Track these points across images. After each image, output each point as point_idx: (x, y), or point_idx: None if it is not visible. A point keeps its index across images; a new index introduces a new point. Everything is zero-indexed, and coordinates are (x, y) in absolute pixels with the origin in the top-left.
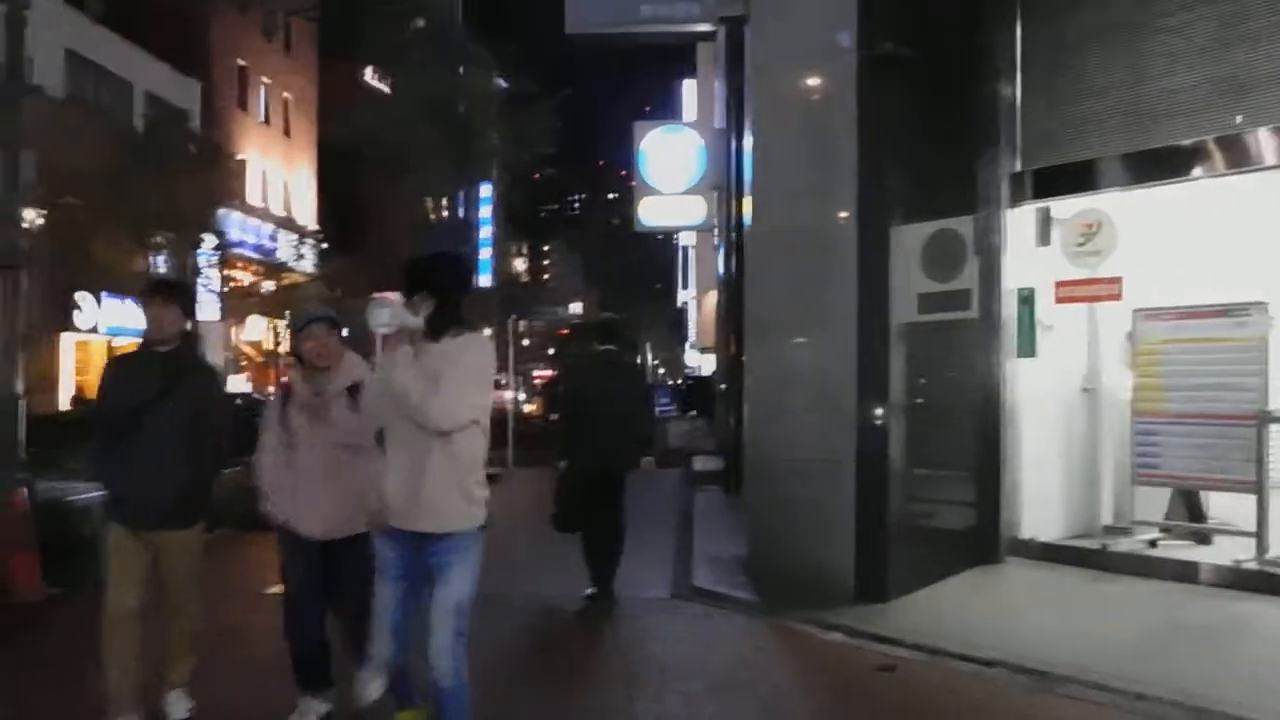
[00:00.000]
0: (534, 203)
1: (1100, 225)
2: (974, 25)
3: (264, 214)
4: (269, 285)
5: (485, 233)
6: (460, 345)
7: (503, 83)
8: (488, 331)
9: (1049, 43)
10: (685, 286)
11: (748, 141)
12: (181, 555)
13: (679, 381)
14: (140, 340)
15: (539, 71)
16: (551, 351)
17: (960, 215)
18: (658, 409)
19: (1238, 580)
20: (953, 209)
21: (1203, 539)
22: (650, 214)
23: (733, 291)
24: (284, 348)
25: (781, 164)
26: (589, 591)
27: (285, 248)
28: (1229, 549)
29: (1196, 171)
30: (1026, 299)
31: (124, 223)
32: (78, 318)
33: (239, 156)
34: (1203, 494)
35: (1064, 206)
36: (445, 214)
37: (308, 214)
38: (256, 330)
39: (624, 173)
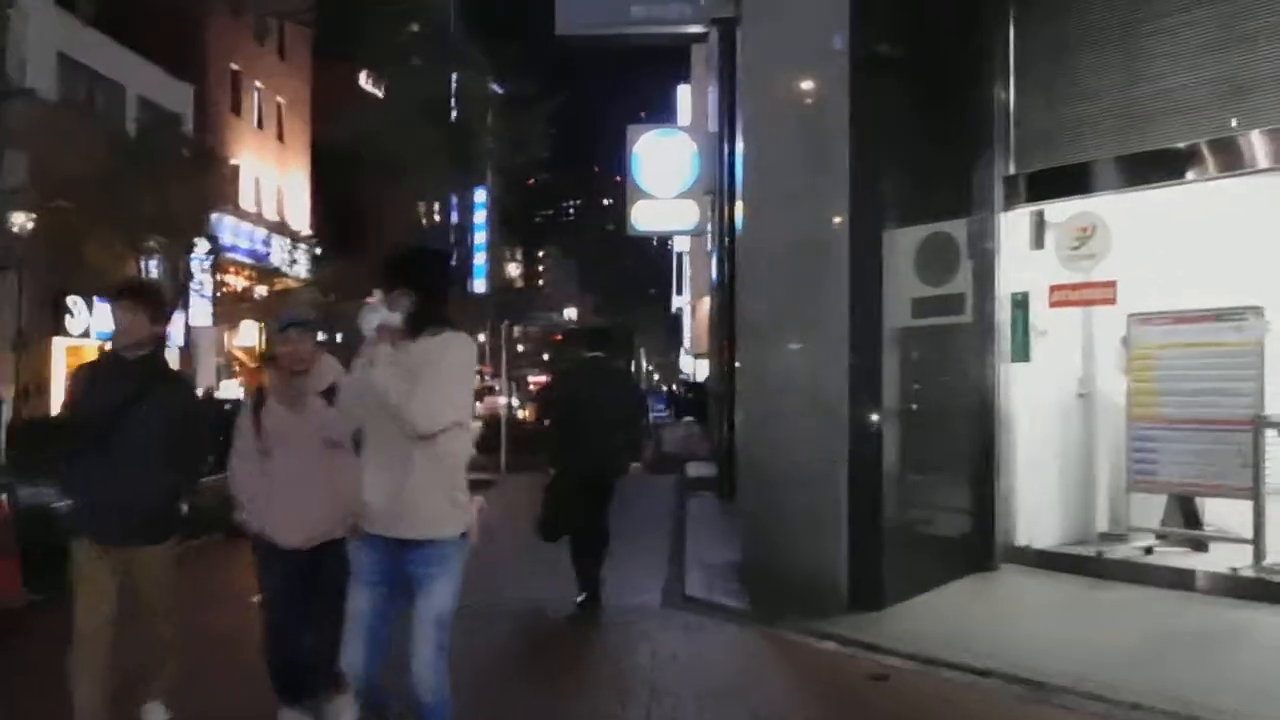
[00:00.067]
0: (529, 208)
1: (1095, 229)
2: (968, 26)
3: (257, 219)
4: (262, 290)
5: (480, 237)
6: (441, 344)
7: (498, 88)
8: (482, 337)
9: (1044, 44)
10: (680, 292)
11: (740, 144)
12: (153, 572)
13: (674, 388)
14: (108, 346)
15: (535, 76)
16: (546, 357)
17: (954, 218)
18: (652, 415)
19: (1234, 587)
20: (947, 212)
21: (1199, 546)
22: (643, 218)
23: (726, 296)
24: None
25: (774, 167)
26: (580, 599)
27: (279, 252)
28: (1225, 556)
29: (1192, 174)
30: (1021, 303)
31: (116, 227)
32: (69, 322)
33: (232, 161)
34: (1199, 500)
35: (1058, 210)
36: (440, 218)
37: (302, 219)
38: (250, 335)
39: (619, 178)
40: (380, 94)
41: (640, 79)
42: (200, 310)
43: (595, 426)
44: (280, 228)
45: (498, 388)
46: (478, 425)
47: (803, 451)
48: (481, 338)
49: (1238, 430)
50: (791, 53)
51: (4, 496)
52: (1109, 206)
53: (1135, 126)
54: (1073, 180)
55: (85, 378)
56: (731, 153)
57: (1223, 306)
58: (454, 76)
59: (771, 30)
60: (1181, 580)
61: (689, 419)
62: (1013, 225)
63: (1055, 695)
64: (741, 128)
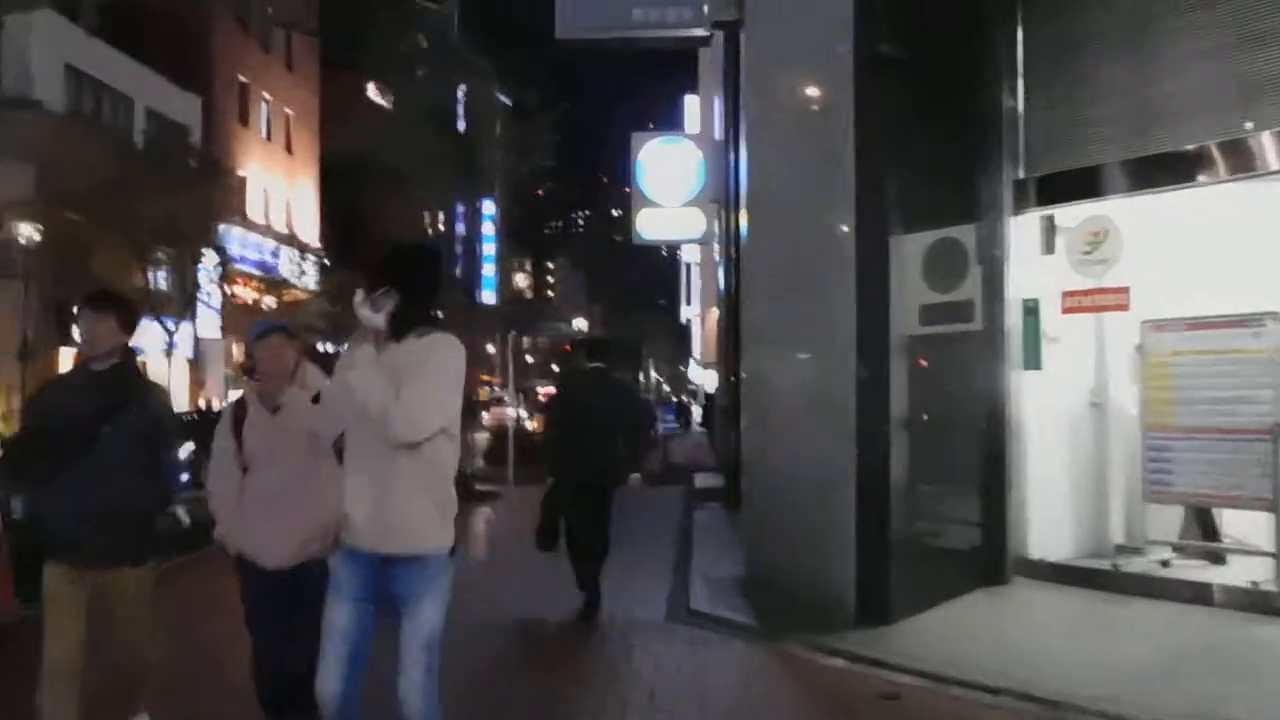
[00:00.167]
0: (538, 218)
1: (1106, 233)
2: (974, 28)
3: (265, 230)
4: (270, 301)
5: (489, 248)
6: (426, 346)
7: (506, 99)
8: (491, 348)
9: (1052, 45)
10: (689, 302)
11: (743, 150)
12: (128, 596)
13: (683, 398)
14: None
15: (544, 87)
16: (555, 367)
17: (962, 224)
18: (661, 425)
19: (1254, 602)
20: (954, 217)
21: (1217, 559)
22: (648, 227)
23: (732, 306)
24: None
25: (778, 173)
26: (583, 604)
27: (287, 263)
28: (1245, 569)
29: (1204, 177)
30: (1031, 310)
31: (124, 237)
32: (77, 332)
33: (240, 172)
34: (1217, 512)
35: (1069, 214)
36: (448, 229)
37: (310, 230)
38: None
39: (627, 189)
40: (388, 105)
41: (650, 90)
42: (208, 321)
43: (593, 436)
44: (289, 238)
45: (506, 398)
46: (485, 436)
47: (809, 462)
48: (490, 348)
49: (1257, 439)
50: (795, 56)
51: None
52: (1120, 210)
53: (1146, 128)
54: (1083, 184)
55: (50, 391)
56: (737, 160)
57: (1241, 312)
58: (461, 87)
59: (774, 34)
60: (1199, 594)
61: (702, 428)
62: (1022, 230)
63: (1069, 715)
64: (744, 133)
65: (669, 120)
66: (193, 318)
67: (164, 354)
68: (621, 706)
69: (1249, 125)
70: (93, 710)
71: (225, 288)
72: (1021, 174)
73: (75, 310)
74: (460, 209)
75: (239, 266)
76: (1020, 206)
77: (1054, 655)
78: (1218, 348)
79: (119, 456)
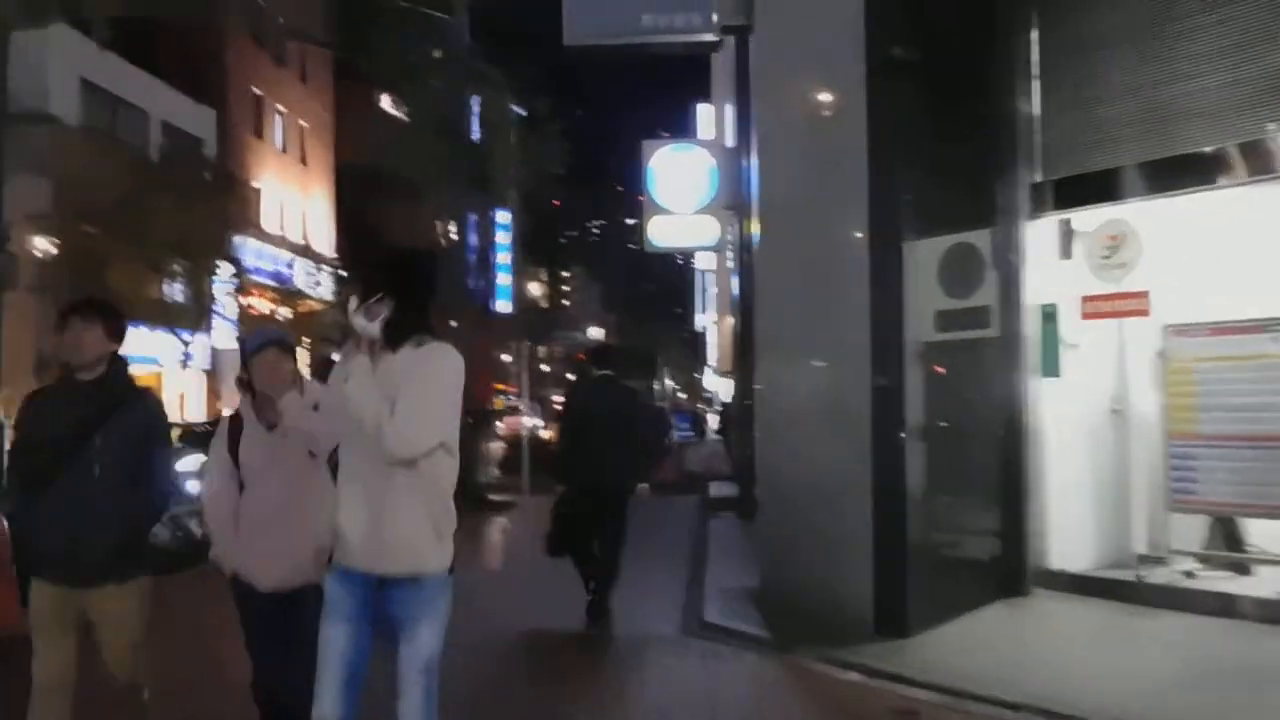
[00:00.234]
0: (554, 228)
1: (1125, 237)
2: (988, 29)
3: (281, 241)
4: (286, 312)
5: (504, 258)
6: (423, 357)
7: (520, 109)
8: (506, 357)
9: (1067, 45)
10: (704, 309)
11: (754, 156)
12: (119, 615)
13: (699, 406)
14: (63, 368)
15: (559, 97)
16: (571, 376)
17: (977, 228)
18: (676, 433)
19: None
20: (969, 222)
21: (1243, 569)
22: (660, 234)
23: (746, 313)
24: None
25: (789, 179)
26: (589, 600)
27: (302, 274)
28: (1272, 579)
29: (1225, 179)
30: (1049, 316)
31: (139, 250)
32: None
33: (255, 184)
34: (1241, 521)
35: (1087, 218)
36: (462, 238)
37: (325, 240)
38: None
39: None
40: (402, 115)
41: (665, 99)
42: (224, 333)
43: (600, 444)
44: (303, 249)
45: (522, 407)
46: (499, 445)
47: (824, 472)
48: (506, 357)
49: None
50: (804, 61)
51: (3, 521)
52: (1139, 213)
53: (1165, 130)
54: (1101, 187)
55: (35, 404)
56: (749, 166)
57: (1266, 317)
58: (475, 98)
59: (782, 38)
60: (1225, 606)
61: (717, 437)
62: (1039, 234)
63: None
64: (754, 138)
65: (683, 128)
66: (208, 329)
67: (180, 365)
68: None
69: (1270, 126)
70: None
71: (240, 299)
72: (1038, 177)
73: (59, 318)
74: (475, 218)
75: (254, 278)
76: (1037, 210)
77: (1076, 669)
78: (1241, 353)
79: (108, 468)
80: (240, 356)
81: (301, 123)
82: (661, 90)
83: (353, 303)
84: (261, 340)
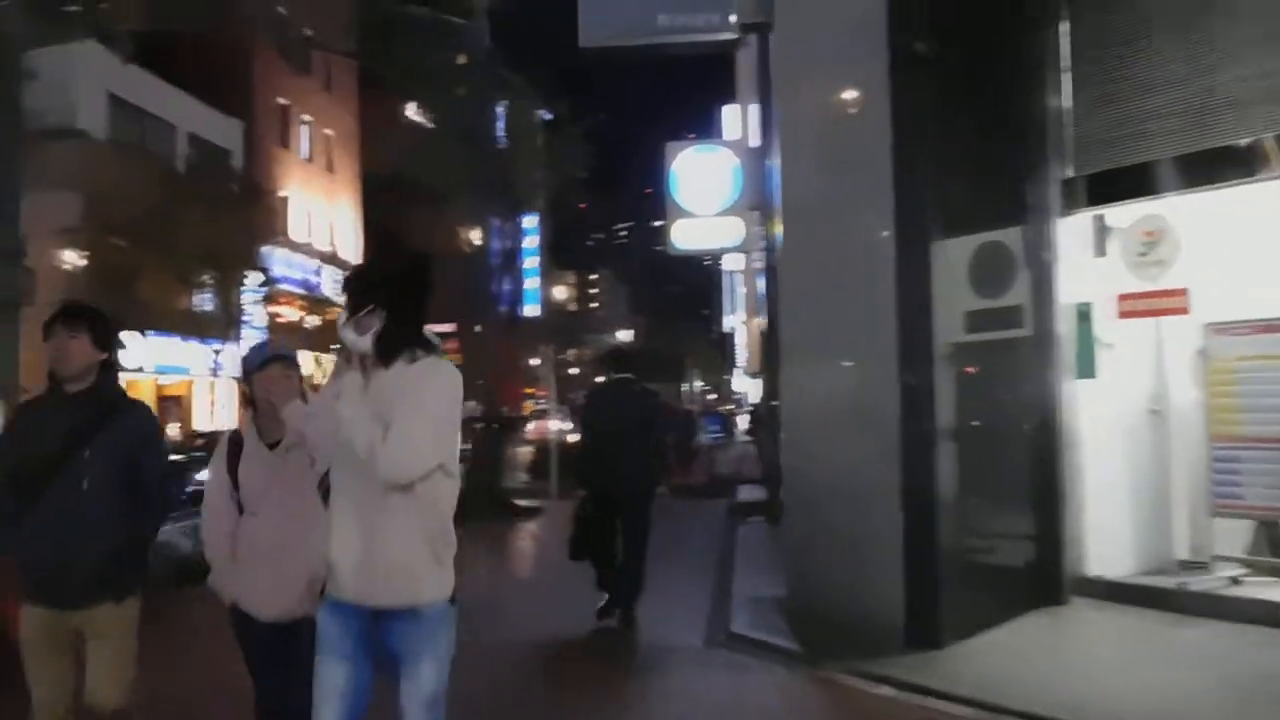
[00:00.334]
0: (581, 232)
1: (1162, 233)
2: (1016, 20)
3: (308, 250)
4: (315, 320)
5: (531, 263)
6: (418, 374)
7: (546, 114)
8: (535, 361)
9: (1099, 36)
10: (731, 311)
11: (776, 155)
12: (109, 635)
13: (729, 408)
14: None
15: (584, 101)
16: (600, 379)
17: (1008, 226)
18: (705, 436)
19: None
20: (1000, 220)
21: None
22: (684, 237)
23: (771, 315)
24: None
25: (813, 178)
26: (600, 604)
27: (330, 282)
28: None
29: (1266, 171)
30: (1084, 315)
31: (168, 262)
32: (124, 356)
33: (281, 194)
34: None
35: (1122, 213)
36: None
37: (352, 248)
38: (303, 366)
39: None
40: (427, 122)
41: (692, 101)
42: (253, 342)
43: (617, 448)
44: (331, 257)
45: (550, 411)
46: (528, 450)
47: (852, 477)
48: (534, 362)
49: None
50: (826, 57)
51: None
52: (1176, 208)
53: (1203, 121)
54: (1136, 181)
55: (22, 416)
56: (773, 166)
57: None
58: (502, 104)
59: (804, 34)
60: (1272, 615)
61: (746, 439)
62: (1072, 231)
63: None
64: (776, 136)
65: (710, 130)
66: (238, 339)
67: (210, 375)
68: None
69: None
70: None
71: (269, 308)
72: (1070, 173)
73: (44, 327)
74: (502, 224)
75: (282, 286)
76: (1069, 207)
77: (1115, 682)
78: None
79: (98, 482)
80: (244, 372)
81: (327, 132)
82: (690, 92)
83: (341, 316)
84: (265, 355)
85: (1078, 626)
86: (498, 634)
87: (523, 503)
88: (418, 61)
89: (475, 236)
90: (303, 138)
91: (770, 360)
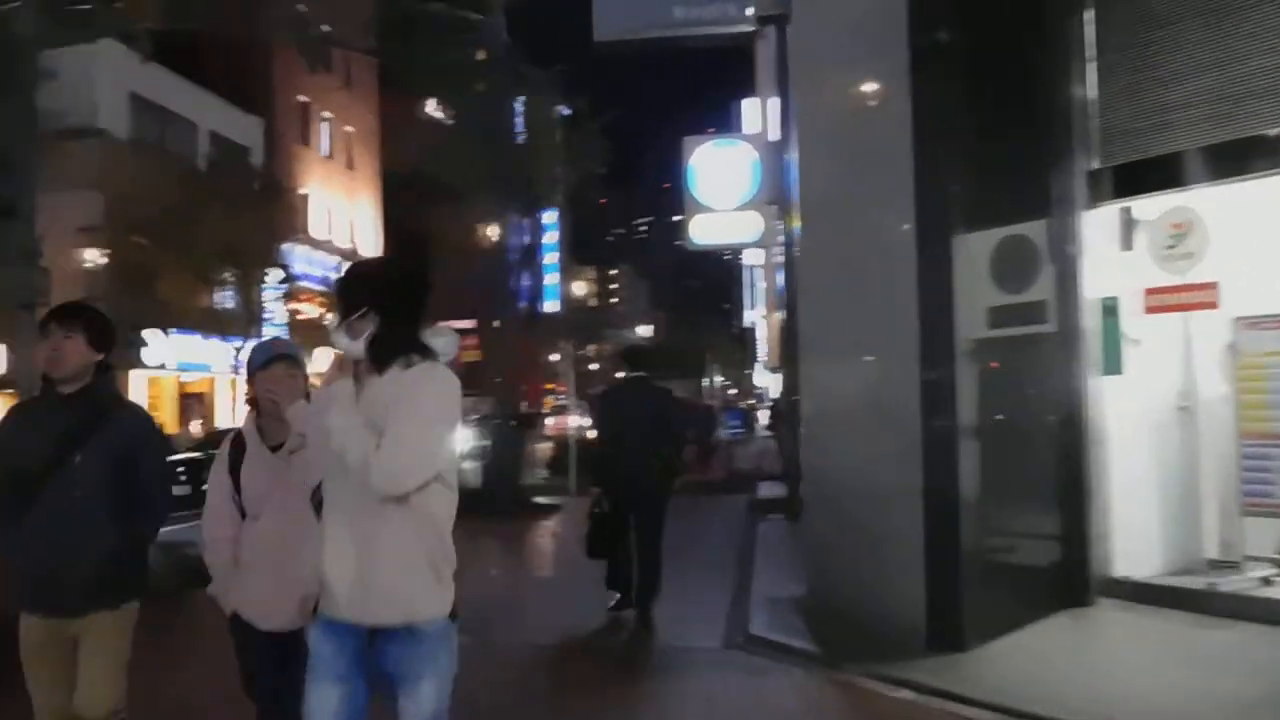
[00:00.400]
0: (601, 227)
1: (1191, 225)
2: (1039, 8)
3: (329, 247)
4: (334, 317)
5: (551, 258)
6: (413, 380)
7: (564, 109)
8: (555, 357)
9: (1125, 24)
10: (752, 305)
11: (794, 148)
12: (102, 641)
13: (750, 403)
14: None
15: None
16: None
17: (1032, 219)
18: (726, 431)
19: None
20: (1023, 213)
21: None
22: (702, 232)
23: (790, 309)
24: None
25: (831, 171)
26: (611, 604)
27: None
28: None
29: None
30: (1110, 310)
31: (189, 260)
32: (145, 354)
33: (302, 191)
34: None
35: (1149, 206)
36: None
37: (372, 244)
38: (324, 363)
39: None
40: (446, 118)
41: (713, 95)
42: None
43: (630, 447)
44: (351, 254)
45: (569, 406)
46: (547, 446)
47: (872, 475)
48: (554, 357)
49: None
50: (845, 47)
51: None
52: (1206, 200)
53: (1232, 111)
54: (1164, 173)
55: (14, 419)
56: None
57: None
58: (519, 99)
59: (822, 25)
60: None
61: (767, 434)
62: (1098, 225)
63: None
64: (794, 129)
65: (731, 125)
66: (259, 336)
67: (231, 372)
68: None
69: None
70: None
71: (289, 305)
72: (1095, 164)
73: (39, 327)
74: (521, 220)
75: (303, 284)
76: (1095, 199)
77: (1143, 686)
78: None
79: (91, 487)
80: (247, 371)
81: (347, 129)
82: (711, 87)
83: (333, 321)
84: (269, 354)
85: (1104, 628)
86: (511, 634)
87: (541, 499)
88: (436, 58)
89: (494, 233)
90: (323, 135)
91: (790, 355)
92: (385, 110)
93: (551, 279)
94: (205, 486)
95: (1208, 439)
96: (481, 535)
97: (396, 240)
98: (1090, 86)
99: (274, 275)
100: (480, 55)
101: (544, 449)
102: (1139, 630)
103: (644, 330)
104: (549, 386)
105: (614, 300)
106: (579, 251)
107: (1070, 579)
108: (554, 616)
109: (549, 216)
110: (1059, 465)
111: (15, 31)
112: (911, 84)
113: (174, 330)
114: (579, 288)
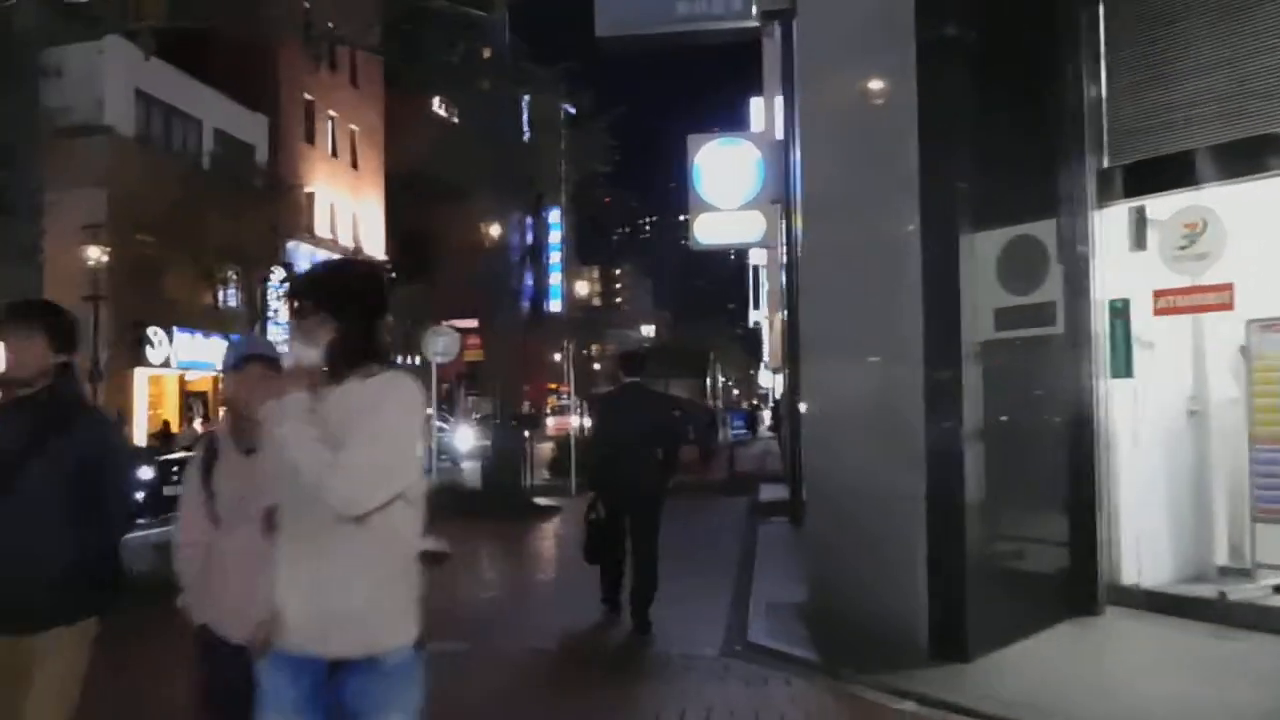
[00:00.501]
0: (605, 226)
1: (1205, 225)
2: (1048, 3)
3: (333, 245)
4: None
5: (556, 257)
6: (373, 391)
7: (569, 108)
8: (558, 356)
9: (1136, 20)
10: (757, 305)
11: (798, 146)
12: (53, 659)
13: (754, 403)
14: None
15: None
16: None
17: (1040, 219)
18: (730, 432)
19: None
20: (1032, 212)
21: None
22: (706, 231)
23: (792, 310)
24: None
25: (834, 169)
26: (607, 606)
27: None
28: None
29: None
30: (1120, 311)
31: (194, 257)
32: (150, 352)
33: (307, 189)
34: None
35: (1161, 205)
36: (514, 238)
37: (376, 243)
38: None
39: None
40: (451, 117)
41: (719, 94)
42: (278, 338)
43: (624, 452)
44: (355, 252)
45: (571, 407)
46: (549, 446)
47: (875, 479)
48: (558, 357)
49: None
50: (850, 43)
51: None
52: (1220, 199)
53: (1247, 108)
54: (1176, 171)
55: None
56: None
57: None
58: (523, 98)
59: (827, 21)
60: None
61: (771, 434)
62: (1109, 224)
63: None
64: (799, 127)
65: (737, 124)
66: (263, 335)
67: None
68: None
69: None
70: None
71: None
72: (1106, 163)
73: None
74: (526, 218)
75: None
76: (1106, 198)
77: (1153, 698)
78: None
79: (47, 496)
80: (222, 372)
81: (352, 127)
82: (718, 85)
83: (289, 325)
84: (243, 353)
85: (1113, 638)
86: (507, 638)
87: (542, 501)
88: (440, 56)
89: (498, 231)
90: (328, 133)
91: (792, 356)
92: (390, 109)
93: (555, 278)
94: None
95: (1219, 444)
96: (481, 537)
97: (402, 240)
98: (1101, 83)
99: (278, 273)
100: (485, 53)
101: (544, 450)
102: (1148, 639)
103: (647, 330)
104: (552, 386)
105: (618, 300)
106: (583, 251)
107: (1078, 587)
108: (550, 621)
109: (553, 215)
110: (1067, 470)
111: (17, 26)
112: (918, 80)
113: (177, 328)
114: (582, 287)
